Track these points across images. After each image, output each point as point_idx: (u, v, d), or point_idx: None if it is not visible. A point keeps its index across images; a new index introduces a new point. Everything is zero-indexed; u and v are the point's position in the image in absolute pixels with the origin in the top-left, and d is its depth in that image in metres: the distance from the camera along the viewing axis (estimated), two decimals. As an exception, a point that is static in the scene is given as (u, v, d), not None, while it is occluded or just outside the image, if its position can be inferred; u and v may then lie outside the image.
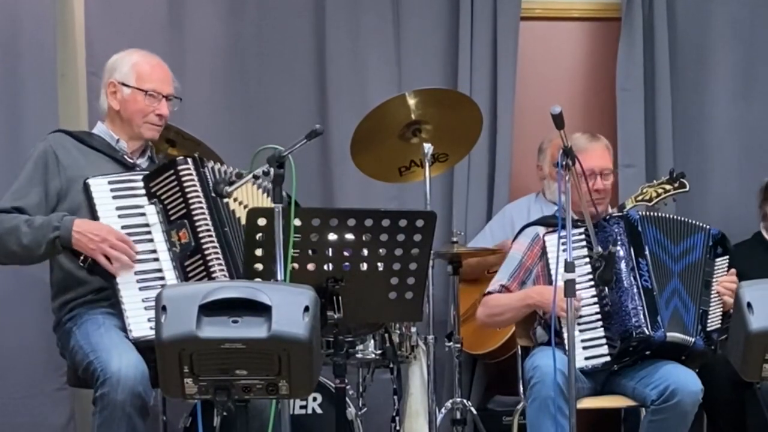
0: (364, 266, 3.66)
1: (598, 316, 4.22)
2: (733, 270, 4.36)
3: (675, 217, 4.46)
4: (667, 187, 4.81)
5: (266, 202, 3.91)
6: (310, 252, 3.60)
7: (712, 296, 4.32)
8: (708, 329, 4.27)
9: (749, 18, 5.72)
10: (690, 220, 4.44)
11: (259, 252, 3.57)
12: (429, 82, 5.28)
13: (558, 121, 3.85)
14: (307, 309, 3.10)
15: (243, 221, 3.83)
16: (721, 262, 4.39)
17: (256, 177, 3.59)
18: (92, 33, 5.16)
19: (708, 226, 4.43)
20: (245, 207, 3.86)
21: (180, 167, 3.86)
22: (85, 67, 5.15)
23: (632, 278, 4.22)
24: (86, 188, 3.83)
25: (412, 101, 4.71)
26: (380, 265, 3.66)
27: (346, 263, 3.64)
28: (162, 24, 5.31)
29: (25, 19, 5.00)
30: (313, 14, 5.48)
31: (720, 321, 4.30)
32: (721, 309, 4.31)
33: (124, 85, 4.02)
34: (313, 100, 5.47)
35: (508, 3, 5.55)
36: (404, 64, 5.53)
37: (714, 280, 4.35)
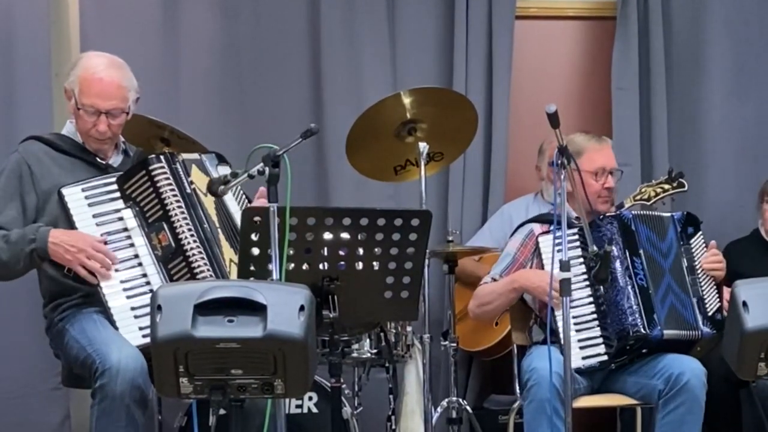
0: (360, 265, 3.65)
1: (594, 316, 4.22)
2: (712, 242, 4.34)
3: (654, 213, 4.44)
4: (666, 186, 4.80)
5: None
6: (305, 251, 3.60)
7: (700, 279, 4.30)
8: (709, 314, 4.26)
9: (744, 17, 5.73)
10: (659, 214, 4.42)
11: (254, 251, 3.56)
12: (424, 81, 5.28)
13: (553, 119, 3.85)
14: (302, 308, 3.10)
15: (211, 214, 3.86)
16: (697, 240, 4.36)
17: (251, 176, 3.58)
18: (87, 32, 5.15)
19: (671, 214, 4.40)
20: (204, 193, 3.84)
21: (151, 167, 3.82)
22: (79, 67, 5.13)
23: (627, 277, 4.21)
24: (61, 198, 3.80)
25: (407, 100, 4.70)
26: (376, 265, 3.66)
27: (342, 262, 3.63)
28: (156, 23, 5.31)
29: (20, 19, 4.99)
30: (308, 13, 5.47)
31: (718, 299, 4.28)
32: (715, 287, 4.30)
33: (73, 93, 3.92)
34: (309, 99, 5.46)
35: (503, 2, 5.55)
36: (399, 63, 5.53)
37: (697, 261, 4.32)
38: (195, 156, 4.02)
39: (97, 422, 3.61)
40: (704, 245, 4.34)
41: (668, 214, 4.39)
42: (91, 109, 3.88)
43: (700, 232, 4.38)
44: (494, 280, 4.39)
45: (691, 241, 4.35)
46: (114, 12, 5.24)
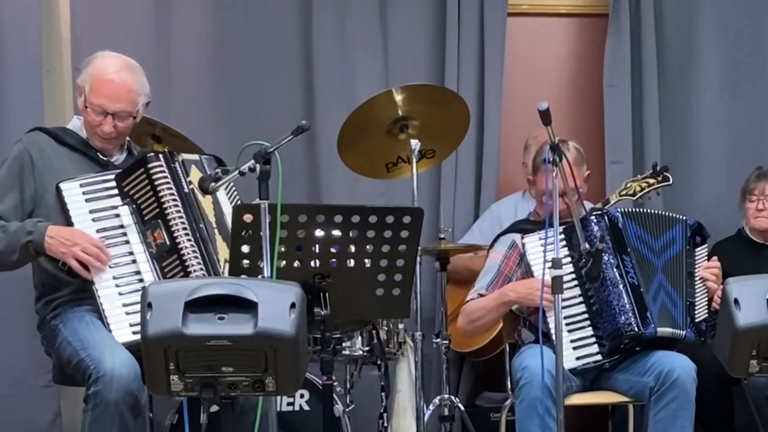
0: (351, 263, 3.65)
1: (586, 316, 4.21)
2: (714, 258, 4.37)
3: (652, 211, 4.44)
4: (651, 181, 4.81)
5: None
6: (296, 248, 3.59)
7: (696, 287, 4.32)
8: (696, 320, 4.27)
9: (735, 14, 5.74)
10: (667, 213, 4.42)
11: (245, 248, 3.55)
12: (416, 78, 5.27)
13: (545, 117, 3.84)
14: (293, 305, 3.09)
15: (208, 213, 3.86)
16: (701, 251, 4.38)
17: (242, 173, 3.57)
18: (78, 28, 5.14)
19: (684, 217, 4.40)
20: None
21: (150, 165, 3.82)
22: (70, 63, 5.12)
23: (618, 276, 4.20)
24: (58, 192, 3.81)
25: (399, 97, 4.69)
26: (367, 262, 3.66)
27: (333, 260, 3.63)
28: (148, 19, 5.30)
29: (10, 15, 4.98)
30: (299, 9, 5.47)
31: (706, 310, 4.30)
32: (706, 297, 4.31)
33: (83, 90, 3.93)
34: (300, 96, 5.46)
35: (495, -1, 5.56)
36: (391, 60, 5.52)
37: (696, 270, 4.34)
38: (195, 157, 4.02)
39: (89, 428, 3.60)
40: (707, 259, 4.37)
41: (681, 216, 4.39)
42: (99, 109, 3.89)
43: (706, 245, 4.41)
44: (481, 295, 4.36)
45: (697, 250, 4.37)
46: (105, 8, 5.23)
